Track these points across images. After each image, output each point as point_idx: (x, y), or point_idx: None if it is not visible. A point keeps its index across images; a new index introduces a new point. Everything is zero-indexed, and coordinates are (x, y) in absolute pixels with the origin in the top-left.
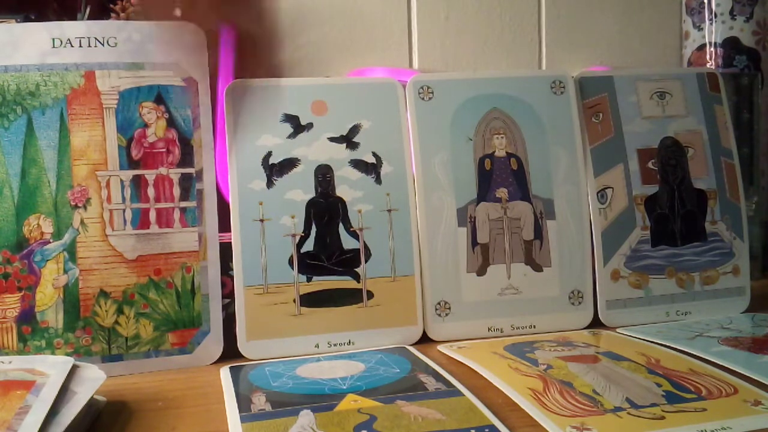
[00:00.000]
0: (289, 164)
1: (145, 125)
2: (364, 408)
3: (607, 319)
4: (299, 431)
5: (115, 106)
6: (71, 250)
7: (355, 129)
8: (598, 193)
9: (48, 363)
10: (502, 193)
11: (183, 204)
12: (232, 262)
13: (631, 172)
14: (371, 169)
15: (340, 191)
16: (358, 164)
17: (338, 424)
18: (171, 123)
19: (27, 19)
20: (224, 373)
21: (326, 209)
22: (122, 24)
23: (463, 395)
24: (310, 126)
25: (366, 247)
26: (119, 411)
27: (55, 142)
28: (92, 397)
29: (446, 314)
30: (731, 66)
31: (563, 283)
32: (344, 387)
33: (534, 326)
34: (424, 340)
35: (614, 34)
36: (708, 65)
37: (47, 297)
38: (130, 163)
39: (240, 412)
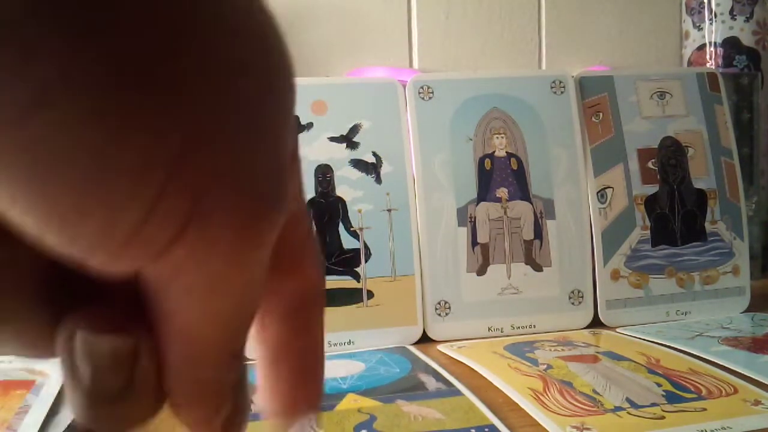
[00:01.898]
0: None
1: None
2: (364, 407)
3: (607, 318)
4: (299, 430)
5: None
6: None
7: (355, 129)
8: (598, 192)
9: (48, 363)
10: (502, 192)
11: None
12: None
13: (631, 171)
14: (371, 168)
15: (340, 191)
16: (358, 164)
17: (338, 424)
18: None
19: None
20: None
21: (326, 209)
22: None
23: (463, 395)
24: (309, 126)
25: (366, 246)
26: None
27: None
28: None
29: (446, 314)
30: (731, 66)
31: (563, 282)
32: (344, 386)
33: (534, 326)
34: (424, 339)
35: (614, 34)
36: (708, 65)
37: None
38: None
39: None
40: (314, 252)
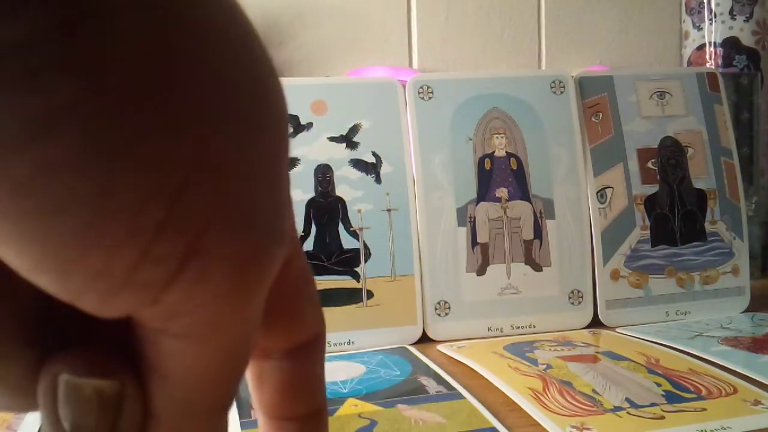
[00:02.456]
0: (289, 164)
1: None
2: (365, 412)
3: (607, 318)
4: None
5: None
6: None
7: (354, 128)
8: (597, 192)
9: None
10: (501, 192)
11: None
12: None
13: (630, 171)
14: (371, 168)
15: (340, 191)
16: (357, 164)
17: (339, 429)
18: None
19: None
20: None
21: (326, 209)
22: None
23: (464, 398)
24: (309, 125)
25: (366, 246)
26: None
27: None
28: None
29: (446, 314)
30: (731, 66)
31: (563, 282)
32: (344, 391)
33: (534, 326)
34: (424, 339)
35: (614, 33)
36: (708, 65)
37: None
38: None
39: (240, 418)
40: (312, 297)
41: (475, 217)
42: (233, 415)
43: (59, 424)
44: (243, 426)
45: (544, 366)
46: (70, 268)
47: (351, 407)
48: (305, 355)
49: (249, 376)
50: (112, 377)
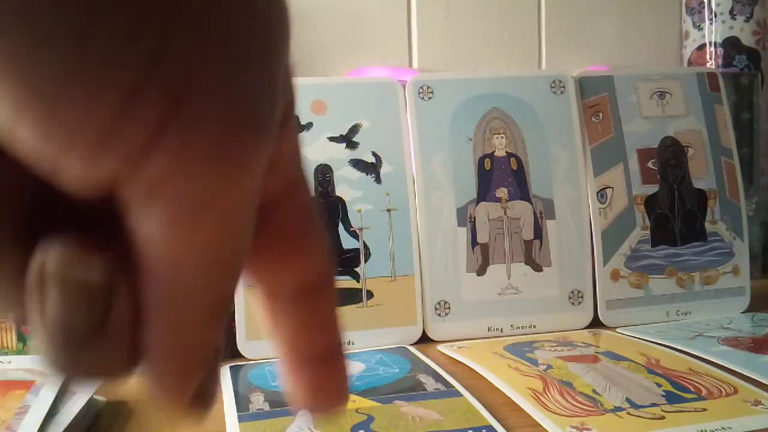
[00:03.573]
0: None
1: None
2: (362, 408)
3: (607, 318)
4: (296, 431)
5: None
6: None
7: (354, 128)
8: (598, 192)
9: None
10: (501, 192)
11: None
12: None
13: (631, 171)
14: (371, 168)
15: (340, 191)
16: (357, 164)
17: (335, 424)
18: None
19: None
20: (224, 372)
21: (326, 209)
22: None
23: (462, 396)
24: (309, 126)
25: (366, 246)
26: (118, 411)
27: None
28: (92, 396)
29: (446, 314)
30: (731, 66)
31: (563, 282)
32: None
33: (534, 326)
34: (424, 339)
35: (614, 33)
36: (708, 65)
37: None
38: None
39: (238, 411)
40: (318, 233)
41: (475, 217)
42: (231, 408)
43: (48, 314)
44: (240, 419)
45: (545, 366)
46: (48, 115)
47: (349, 402)
48: (315, 295)
49: (264, 315)
50: (101, 266)
